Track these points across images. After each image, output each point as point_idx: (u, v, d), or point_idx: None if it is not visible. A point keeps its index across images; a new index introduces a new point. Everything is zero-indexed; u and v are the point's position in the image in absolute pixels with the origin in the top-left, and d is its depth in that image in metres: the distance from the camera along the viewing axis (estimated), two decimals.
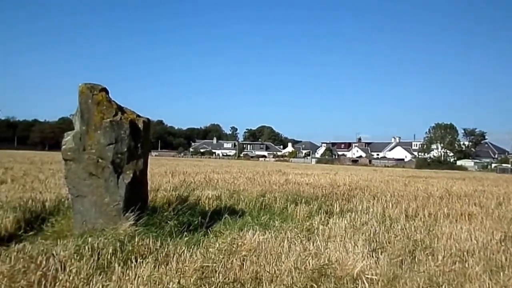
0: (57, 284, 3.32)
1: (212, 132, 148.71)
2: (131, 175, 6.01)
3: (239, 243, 4.78)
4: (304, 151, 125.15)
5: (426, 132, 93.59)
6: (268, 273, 3.73)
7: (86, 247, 4.21)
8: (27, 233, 5.92)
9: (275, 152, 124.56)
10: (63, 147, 5.99)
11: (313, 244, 4.97)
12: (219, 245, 4.77)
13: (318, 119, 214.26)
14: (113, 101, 6.04)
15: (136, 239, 4.66)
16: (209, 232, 6.07)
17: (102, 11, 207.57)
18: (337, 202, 9.46)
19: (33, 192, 8.89)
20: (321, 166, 53.81)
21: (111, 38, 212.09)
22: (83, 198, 5.98)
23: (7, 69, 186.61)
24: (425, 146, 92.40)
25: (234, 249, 4.57)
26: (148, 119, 6.57)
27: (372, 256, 4.54)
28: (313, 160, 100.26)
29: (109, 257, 4.10)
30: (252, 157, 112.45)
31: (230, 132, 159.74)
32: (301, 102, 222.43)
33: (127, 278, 3.48)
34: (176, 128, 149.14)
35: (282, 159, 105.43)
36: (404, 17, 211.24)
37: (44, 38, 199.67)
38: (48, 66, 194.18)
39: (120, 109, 6.09)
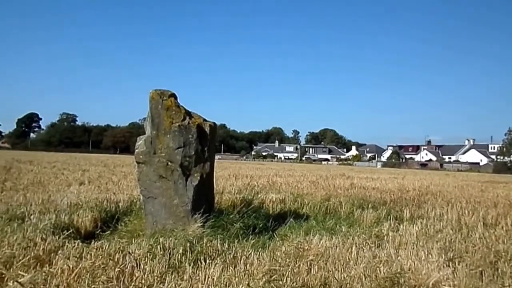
0: (134, 280, 3.48)
1: (274, 135, 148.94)
2: (199, 177, 6.18)
3: (306, 248, 4.74)
4: (368, 155, 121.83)
5: (505, 134, 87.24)
6: (337, 280, 3.66)
7: (158, 247, 4.39)
8: (104, 231, 6.26)
9: (338, 156, 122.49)
10: (136, 150, 6.29)
11: (383, 251, 4.81)
12: (285, 248, 4.76)
13: (384, 121, 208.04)
14: (182, 106, 6.25)
15: (204, 240, 4.78)
16: (274, 235, 6.06)
17: (167, 20, 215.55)
18: (406, 207, 9.08)
19: (108, 193, 9.39)
20: (388, 170, 51.95)
21: (176, 45, 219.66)
22: (154, 200, 6.23)
23: (82, 77, 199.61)
24: (504, 149, 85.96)
25: (300, 253, 4.54)
26: (214, 123, 6.72)
27: (449, 266, 4.29)
28: (379, 163, 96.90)
29: (179, 257, 4.24)
30: (314, 160, 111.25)
31: (292, 135, 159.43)
32: (365, 104, 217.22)
33: (197, 278, 3.57)
34: (238, 131, 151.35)
35: (345, 162, 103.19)
36: (476, 17, 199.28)
37: (116, 45, 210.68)
38: (118, 73, 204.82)
39: (188, 113, 6.28)
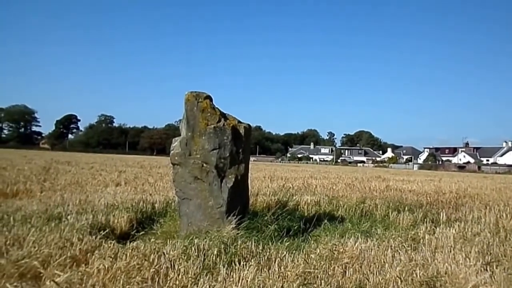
0: (168, 281, 3.52)
1: (309, 137, 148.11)
2: (233, 179, 6.18)
3: (341, 250, 4.66)
4: (405, 157, 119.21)
5: None
6: (372, 283, 3.58)
7: (193, 248, 4.42)
8: (139, 232, 6.36)
9: (373, 158, 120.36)
10: (171, 152, 6.38)
11: (419, 254, 4.67)
12: (320, 251, 4.70)
13: (420, 123, 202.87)
14: (217, 108, 6.29)
15: (239, 242, 4.77)
16: (309, 237, 6.02)
17: (206, 21, 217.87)
18: (443, 210, 8.81)
19: (144, 194, 9.58)
20: (424, 173, 50.55)
21: (214, 46, 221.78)
22: (189, 201, 6.30)
23: (119, 80, 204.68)
24: None
25: (335, 256, 4.47)
26: (249, 125, 6.72)
27: (487, 270, 4.13)
28: (415, 166, 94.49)
29: (214, 258, 4.25)
30: (350, 162, 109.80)
31: (327, 137, 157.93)
32: (402, 106, 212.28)
33: (231, 279, 3.57)
34: (274, 133, 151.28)
35: (381, 165, 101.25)
36: None
37: (154, 45, 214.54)
38: (156, 74, 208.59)
39: (223, 115, 6.32)
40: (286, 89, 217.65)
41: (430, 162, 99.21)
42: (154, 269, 3.67)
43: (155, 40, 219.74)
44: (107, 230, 5.71)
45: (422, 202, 10.39)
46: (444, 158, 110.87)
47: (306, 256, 4.47)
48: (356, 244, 4.88)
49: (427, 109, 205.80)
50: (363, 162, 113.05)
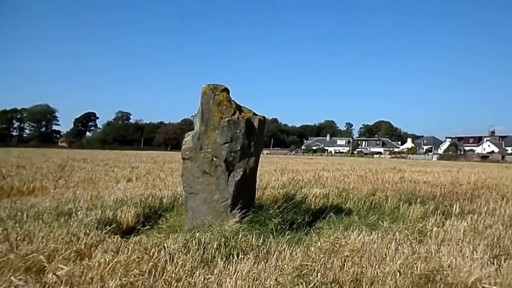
0: (165, 274, 3.56)
1: (326, 129, 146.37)
2: (241, 173, 6.15)
3: (342, 243, 4.63)
4: (425, 147, 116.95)
5: None
6: (369, 276, 3.54)
7: (193, 242, 4.45)
8: (145, 227, 6.44)
9: (391, 149, 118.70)
10: (183, 146, 6.36)
11: (423, 247, 4.60)
12: (321, 244, 4.67)
13: (443, 111, 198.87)
14: (233, 100, 6.22)
15: (239, 236, 4.78)
16: (312, 231, 5.98)
17: (222, 16, 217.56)
18: (457, 202, 8.65)
19: (154, 189, 9.66)
20: (443, 163, 49.69)
21: (229, 41, 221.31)
22: (195, 195, 6.30)
23: (137, 75, 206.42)
24: None
25: (336, 249, 4.44)
26: (264, 117, 6.63)
27: (493, 264, 4.04)
28: (434, 156, 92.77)
29: (213, 251, 4.29)
30: (366, 154, 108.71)
31: (345, 128, 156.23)
32: (423, 94, 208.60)
33: (227, 272, 3.58)
34: (289, 125, 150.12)
35: (398, 155, 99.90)
36: None
37: (170, 41, 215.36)
38: (171, 70, 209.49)
39: (238, 108, 6.25)
40: (304, 81, 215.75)
41: (450, 152, 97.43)
42: (152, 263, 3.72)
43: (172, 35, 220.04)
44: (113, 225, 5.80)
45: (436, 193, 10.21)
46: (467, 148, 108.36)
47: (306, 249, 4.45)
48: (359, 237, 4.84)
49: (451, 96, 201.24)
50: (379, 153, 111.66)
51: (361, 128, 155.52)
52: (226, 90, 6.20)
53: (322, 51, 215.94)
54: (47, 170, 15.37)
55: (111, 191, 9.35)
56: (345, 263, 3.89)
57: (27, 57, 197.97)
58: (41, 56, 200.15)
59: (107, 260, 3.73)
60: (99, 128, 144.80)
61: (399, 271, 3.58)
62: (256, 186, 10.26)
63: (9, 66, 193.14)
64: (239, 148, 6.04)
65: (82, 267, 3.62)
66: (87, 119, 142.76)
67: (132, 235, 5.19)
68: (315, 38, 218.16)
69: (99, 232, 5.07)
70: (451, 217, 7.00)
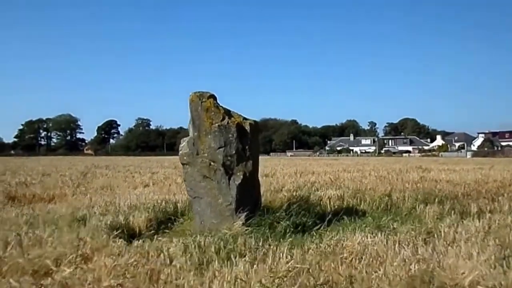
0: (160, 277, 3.63)
1: (349, 129, 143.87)
2: (241, 176, 6.26)
3: (344, 245, 4.59)
4: (457, 144, 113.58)
5: None
6: (363, 277, 3.49)
7: (193, 245, 4.51)
8: (157, 231, 6.51)
9: (420, 147, 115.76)
10: (180, 152, 6.53)
11: (428, 248, 4.50)
12: (322, 246, 4.64)
13: (475, 105, 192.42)
14: (221, 106, 6.38)
15: (239, 239, 4.81)
16: (314, 233, 5.92)
17: (241, 20, 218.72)
18: (477, 201, 8.42)
19: (169, 194, 9.76)
20: (477, 160, 47.93)
21: (247, 44, 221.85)
22: (200, 199, 6.42)
23: (155, 82, 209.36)
24: None
25: (336, 251, 4.40)
26: (255, 121, 6.77)
27: (501, 265, 3.88)
28: (468, 153, 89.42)
29: (211, 255, 4.33)
30: (394, 153, 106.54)
31: (369, 127, 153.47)
32: (450, 88, 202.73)
33: (221, 275, 3.60)
34: (310, 126, 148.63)
35: (429, 153, 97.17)
36: None
37: (187, 44, 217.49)
38: (189, 73, 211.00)
39: (227, 113, 6.39)
40: (321, 81, 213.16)
41: (486, 149, 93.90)
42: (149, 266, 3.79)
43: (190, 38, 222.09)
44: (120, 230, 5.92)
45: (457, 193, 9.93)
46: (503, 143, 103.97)
47: (305, 251, 4.43)
48: (362, 239, 4.79)
49: (483, 89, 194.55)
50: (408, 151, 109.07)
51: (385, 126, 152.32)
52: (212, 96, 6.37)
53: (336, 50, 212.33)
54: (69, 177, 15.78)
55: (127, 197, 9.51)
56: (340, 265, 3.85)
57: (48, 67, 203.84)
58: (62, 66, 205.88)
59: (107, 264, 3.81)
60: (121, 135, 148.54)
61: (393, 273, 3.51)
62: (271, 189, 10.41)
63: (32, 76, 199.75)
64: (234, 152, 6.16)
65: (82, 270, 3.75)
66: (109, 127, 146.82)
67: (136, 239, 5.27)
68: (333, 35, 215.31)
69: (107, 236, 5.18)
70: (468, 217, 6.84)
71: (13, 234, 4.98)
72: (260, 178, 14.60)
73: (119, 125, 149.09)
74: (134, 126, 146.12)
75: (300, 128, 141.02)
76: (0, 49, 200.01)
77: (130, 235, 6.09)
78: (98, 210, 7.59)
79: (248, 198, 6.35)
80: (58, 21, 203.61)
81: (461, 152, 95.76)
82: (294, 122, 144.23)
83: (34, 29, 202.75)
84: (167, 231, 6.50)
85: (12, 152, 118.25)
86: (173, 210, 7.99)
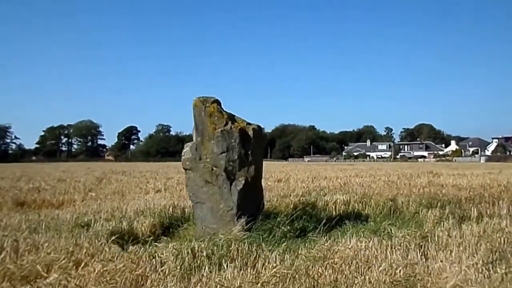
0: (148, 282, 3.70)
1: (366, 134, 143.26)
2: (243, 181, 6.29)
3: (336, 250, 4.61)
4: (471, 149, 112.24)
5: None
6: (348, 282, 3.53)
7: (186, 250, 4.57)
8: (160, 236, 6.59)
9: (436, 152, 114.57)
10: (183, 157, 6.61)
11: (418, 253, 4.51)
12: (314, 251, 4.67)
13: (489, 111, 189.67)
14: (224, 111, 6.43)
15: (233, 244, 4.85)
16: (312, 238, 5.92)
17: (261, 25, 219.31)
18: (479, 205, 8.36)
19: (179, 200, 9.86)
20: (490, 165, 47.39)
21: (267, 50, 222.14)
22: (202, 205, 6.49)
23: (177, 89, 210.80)
24: None
25: (327, 255, 4.43)
26: (258, 126, 6.78)
27: (488, 270, 3.87)
28: (482, 158, 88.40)
29: (204, 259, 4.39)
30: (409, 158, 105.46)
31: (385, 133, 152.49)
32: (465, 94, 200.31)
33: (207, 280, 3.66)
34: (328, 132, 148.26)
35: (443, 159, 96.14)
36: None
37: (203, 51, 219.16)
38: (207, 79, 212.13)
39: (231, 118, 6.44)
40: (339, 86, 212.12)
41: (499, 154, 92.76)
42: (137, 271, 3.85)
43: (210, 46, 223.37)
44: (123, 235, 6.04)
45: (461, 197, 9.87)
46: None
47: (295, 256, 4.47)
48: (354, 244, 4.80)
49: (497, 94, 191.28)
50: (423, 157, 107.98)
51: (401, 132, 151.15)
52: (216, 101, 6.40)
53: (354, 55, 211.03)
54: (83, 184, 16.06)
55: (136, 202, 9.66)
56: (327, 270, 3.88)
57: (70, 74, 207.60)
58: (85, 73, 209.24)
59: (96, 269, 3.89)
60: (141, 141, 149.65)
61: (377, 278, 3.53)
62: (281, 194, 10.46)
63: (52, 83, 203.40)
64: (236, 157, 6.19)
65: (70, 275, 3.83)
66: (129, 133, 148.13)
67: (132, 245, 5.35)
68: (350, 40, 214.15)
69: (104, 242, 5.27)
70: (466, 221, 6.83)
71: (10, 239, 5.09)
72: (272, 184, 14.94)
73: (139, 131, 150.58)
74: (154, 132, 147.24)
75: (318, 134, 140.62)
76: (24, 58, 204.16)
77: (132, 240, 6.16)
78: (104, 215, 7.72)
79: (250, 203, 6.38)
80: (82, 28, 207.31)
81: (474, 157, 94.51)
82: (312, 127, 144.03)
83: (57, 37, 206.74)
84: (169, 236, 6.58)
85: (34, 158, 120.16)
86: (180, 215, 8.07)
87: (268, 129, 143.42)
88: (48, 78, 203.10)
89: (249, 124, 6.67)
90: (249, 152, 6.45)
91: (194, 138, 6.64)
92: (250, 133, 6.54)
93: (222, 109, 6.49)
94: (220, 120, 6.34)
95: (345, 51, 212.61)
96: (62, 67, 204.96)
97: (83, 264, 4.26)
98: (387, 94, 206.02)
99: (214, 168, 6.28)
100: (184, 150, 6.70)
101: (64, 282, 3.64)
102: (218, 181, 6.29)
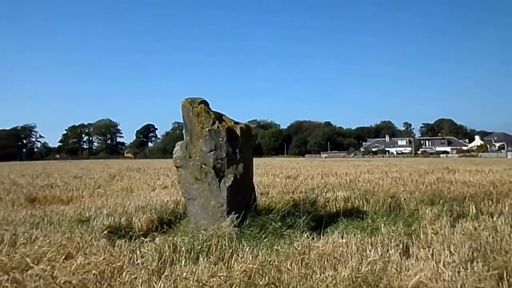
0: (123, 274, 3.86)
1: (384, 130, 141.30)
2: (232, 178, 6.43)
3: (314, 246, 4.67)
4: (497, 144, 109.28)
5: None
6: (314, 278, 3.59)
7: (168, 245, 4.71)
8: (155, 232, 6.74)
9: (459, 147, 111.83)
10: (174, 155, 6.81)
11: (396, 251, 4.51)
12: (292, 247, 4.73)
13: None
14: (212, 111, 6.61)
15: (213, 239, 4.96)
16: (292, 234, 5.95)
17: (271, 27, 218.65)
18: (481, 202, 8.26)
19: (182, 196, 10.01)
20: None
21: (279, 47, 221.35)
22: (193, 201, 6.66)
23: (192, 87, 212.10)
24: None
25: (304, 251, 4.50)
26: (246, 125, 6.93)
27: (466, 268, 3.84)
28: (509, 153, 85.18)
29: (183, 254, 4.53)
30: (431, 153, 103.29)
31: (404, 128, 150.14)
32: (487, 88, 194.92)
33: (177, 274, 3.78)
34: (345, 128, 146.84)
35: (467, 154, 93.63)
36: None
37: (216, 49, 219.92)
38: (223, 76, 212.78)
39: (218, 118, 6.61)
40: (355, 81, 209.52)
41: None
42: (115, 265, 4.02)
43: (225, 44, 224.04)
44: (121, 230, 6.30)
45: (466, 194, 9.72)
46: None
47: (271, 252, 4.55)
48: (331, 240, 4.85)
49: None
50: (446, 152, 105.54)
51: (421, 127, 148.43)
52: (204, 102, 6.60)
53: (370, 49, 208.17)
54: (95, 181, 16.43)
55: (139, 199, 9.88)
56: (297, 266, 3.95)
57: (89, 76, 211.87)
58: (103, 75, 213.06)
59: (79, 262, 4.08)
60: (159, 138, 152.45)
61: (342, 274, 3.58)
62: (284, 190, 10.52)
63: (75, 82, 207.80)
64: (224, 155, 6.34)
65: (54, 267, 4.02)
66: (147, 131, 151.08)
67: (117, 238, 5.53)
68: (366, 35, 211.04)
69: (96, 236, 5.47)
70: (463, 218, 6.75)
71: (10, 233, 5.34)
72: (280, 180, 14.96)
73: (156, 129, 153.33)
74: (171, 129, 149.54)
75: (335, 130, 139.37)
76: (46, 58, 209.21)
77: (130, 235, 6.33)
78: (106, 211, 7.94)
79: (241, 200, 6.51)
80: (95, 35, 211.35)
81: (501, 152, 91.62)
82: (328, 124, 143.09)
83: (78, 39, 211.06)
84: (167, 231, 6.75)
85: (57, 156, 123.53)
86: (182, 211, 8.21)
87: (283, 125, 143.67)
88: (70, 79, 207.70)
89: (237, 123, 6.85)
90: (237, 150, 6.60)
91: (184, 137, 6.82)
92: (238, 132, 6.69)
93: (210, 109, 6.68)
94: (208, 119, 6.52)
95: (362, 48, 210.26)
96: (84, 68, 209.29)
97: (73, 256, 4.46)
98: (405, 88, 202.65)
99: (203, 166, 6.44)
100: (175, 149, 6.89)
101: (47, 273, 3.81)
102: (207, 178, 6.45)
